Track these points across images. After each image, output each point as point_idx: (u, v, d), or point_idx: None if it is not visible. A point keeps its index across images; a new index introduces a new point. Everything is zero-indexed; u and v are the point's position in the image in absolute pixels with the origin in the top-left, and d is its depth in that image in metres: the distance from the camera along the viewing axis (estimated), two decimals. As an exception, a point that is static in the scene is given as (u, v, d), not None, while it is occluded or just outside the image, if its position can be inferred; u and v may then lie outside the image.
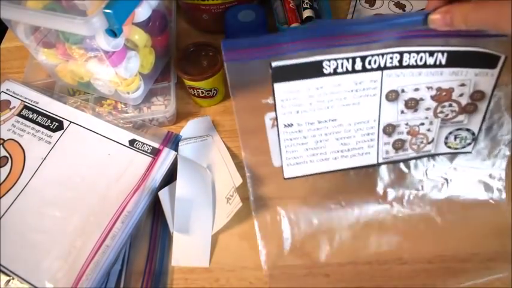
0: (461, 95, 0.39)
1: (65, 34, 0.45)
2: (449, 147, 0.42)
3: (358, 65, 0.36)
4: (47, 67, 0.54)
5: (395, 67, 0.37)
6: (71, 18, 0.39)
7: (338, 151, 0.41)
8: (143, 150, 0.47)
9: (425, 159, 0.43)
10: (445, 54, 0.36)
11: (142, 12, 0.46)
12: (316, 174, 0.43)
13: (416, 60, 0.37)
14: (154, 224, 0.46)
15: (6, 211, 0.45)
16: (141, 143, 0.48)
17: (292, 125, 0.39)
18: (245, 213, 0.44)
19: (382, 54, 0.36)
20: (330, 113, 0.39)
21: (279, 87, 0.37)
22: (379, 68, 0.37)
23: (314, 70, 0.36)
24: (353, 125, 0.40)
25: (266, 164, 0.43)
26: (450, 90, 0.38)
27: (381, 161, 0.42)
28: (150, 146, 0.48)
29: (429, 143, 0.41)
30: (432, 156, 0.43)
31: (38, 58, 0.52)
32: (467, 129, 0.41)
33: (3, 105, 0.52)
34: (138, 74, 0.50)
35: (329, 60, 0.36)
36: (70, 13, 0.40)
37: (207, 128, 0.53)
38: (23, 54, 0.62)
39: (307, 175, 0.43)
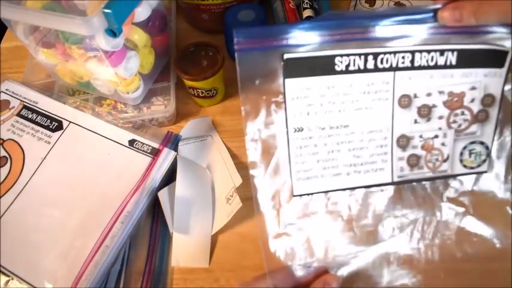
0: (472, 100, 0.39)
1: (64, 34, 0.45)
2: (464, 166, 0.41)
3: (370, 63, 0.36)
4: (47, 67, 0.54)
5: (407, 68, 0.37)
6: (71, 18, 0.39)
7: (351, 165, 0.40)
8: (143, 150, 0.47)
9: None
10: (455, 53, 0.37)
11: (142, 12, 0.46)
12: (328, 191, 0.40)
13: (427, 60, 0.37)
14: (154, 224, 0.46)
15: (5, 211, 0.45)
16: (141, 143, 0.48)
17: (302, 129, 0.38)
18: (245, 213, 0.44)
19: (395, 53, 0.36)
20: (341, 118, 0.38)
21: (290, 83, 0.37)
22: (391, 69, 0.37)
23: (326, 66, 0.36)
24: (366, 134, 0.39)
25: None
26: (461, 95, 0.38)
27: (395, 179, 0.41)
28: (149, 146, 0.48)
29: (445, 161, 0.41)
30: (448, 177, 0.42)
31: (38, 58, 0.52)
32: (481, 142, 0.40)
33: (2, 105, 0.52)
34: (138, 74, 0.50)
35: (341, 56, 0.36)
36: (70, 13, 0.40)
37: (207, 128, 0.53)
38: (23, 54, 0.62)
39: (318, 192, 0.40)
